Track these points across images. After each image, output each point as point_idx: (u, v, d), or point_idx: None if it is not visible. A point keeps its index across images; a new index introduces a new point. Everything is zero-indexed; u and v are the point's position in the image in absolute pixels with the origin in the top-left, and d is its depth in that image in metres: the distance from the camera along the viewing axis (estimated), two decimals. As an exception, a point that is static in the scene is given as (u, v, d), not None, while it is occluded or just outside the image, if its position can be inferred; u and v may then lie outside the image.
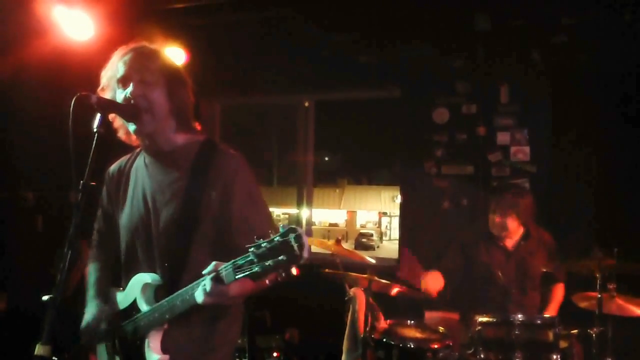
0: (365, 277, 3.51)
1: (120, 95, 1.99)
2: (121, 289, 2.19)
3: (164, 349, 1.96)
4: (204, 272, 1.77)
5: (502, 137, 4.70)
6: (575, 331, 3.31)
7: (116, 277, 2.27)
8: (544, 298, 3.80)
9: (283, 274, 1.58)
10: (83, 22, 4.35)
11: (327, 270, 3.64)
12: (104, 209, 2.28)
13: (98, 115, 1.87)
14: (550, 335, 3.09)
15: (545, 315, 3.28)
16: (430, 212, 4.88)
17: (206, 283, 1.75)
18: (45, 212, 5.25)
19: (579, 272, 3.48)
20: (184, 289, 1.88)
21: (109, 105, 1.97)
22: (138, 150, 2.20)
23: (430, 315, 4.03)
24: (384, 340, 3.41)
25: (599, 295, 3.25)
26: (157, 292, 2.00)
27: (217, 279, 1.74)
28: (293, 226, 1.57)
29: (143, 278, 2.03)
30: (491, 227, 3.82)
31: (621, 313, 3.32)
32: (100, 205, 2.27)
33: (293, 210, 5.86)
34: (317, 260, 2.84)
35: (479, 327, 3.15)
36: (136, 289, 2.04)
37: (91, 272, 2.32)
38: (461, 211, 4.78)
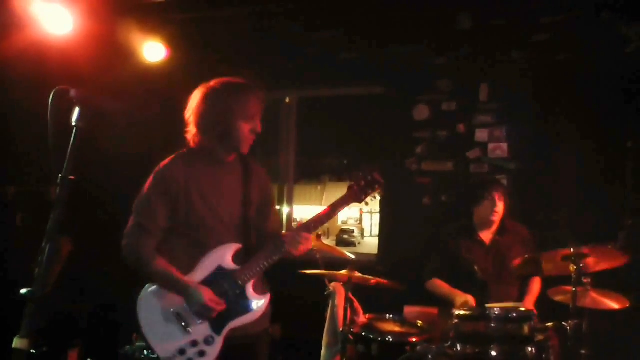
0: (344, 273, 3.54)
1: (244, 125, 2.60)
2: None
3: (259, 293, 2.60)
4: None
5: (481, 135, 4.74)
6: (551, 324, 3.36)
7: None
8: (522, 291, 3.87)
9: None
10: (62, 17, 4.32)
11: (306, 271, 3.67)
12: (160, 200, 2.57)
13: (77, 109, 1.87)
14: (527, 328, 3.13)
15: (521, 309, 3.33)
16: (410, 208, 4.91)
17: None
18: (25, 207, 5.20)
19: (559, 270, 3.53)
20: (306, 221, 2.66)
21: (90, 100, 1.97)
22: (186, 151, 2.67)
23: (409, 310, 4.08)
24: (364, 334, 3.44)
25: (574, 289, 3.31)
26: (240, 255, 2.59)
27: (306, 228, 2.62)
28: (368, 169, 2.73)
29: (225, 247, 2.58)
30: (481, 219, 3.88)
31: (596, 306, 3.38)
32: (152, 195, 2.57)
33: (274, 207, 5.84)
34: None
35: (456, 321, 3.19)
36: (218, 258, 2.56)
37: (160, 264, 2.56)
38: (440, 207, 4.82)
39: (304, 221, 2.71)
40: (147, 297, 2.58)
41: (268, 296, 2.61)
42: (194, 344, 2.49)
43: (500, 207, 3.86)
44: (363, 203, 2.71)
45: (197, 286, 2.49)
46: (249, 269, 2.55)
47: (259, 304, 2.58)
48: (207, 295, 2.46)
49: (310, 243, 2.61)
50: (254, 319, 2.57)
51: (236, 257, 2.58)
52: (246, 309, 2.55)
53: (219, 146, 2.63)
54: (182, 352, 2.49)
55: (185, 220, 2.59)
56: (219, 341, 2.51)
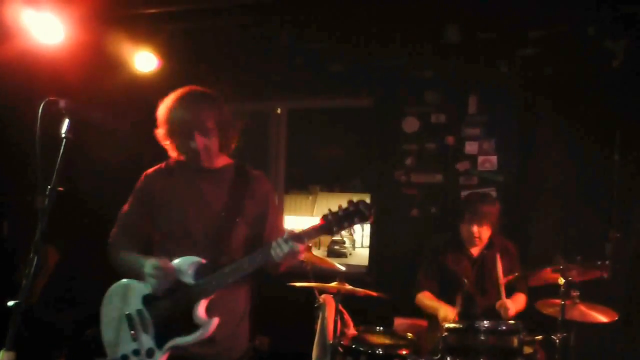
0: (334, 285, 3.53)
1: (183, 142, 2.47)
2: None
3: (210, 315, 2.40)
4: (284, 237, 2.29)
5: (470, 147, 4.77)
6: (539, 337, 3.38)
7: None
8: None
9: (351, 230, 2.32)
10: (52, 26, 4.31)
11: (296, 283, 3.66)
12: (138, 207, 2.62)
13: (66, 120, 1.87)
14: (515, 341, 3.14)
15: (509, 322, 3.33)
16: (400, 220, 4.92)
17: (289, 242, 2.29)
18: (11, 216, 5.16)
19: (544, 281, 3.54)
20: (252, 254, 2.37)
21: (80, 111, 1.97)
22: (174, 160, 2.64)
23: (399, 322, 4.07)
24: (353, 346, 3.43)
25: (562, 302, 3.32)
26: (201, 270, 2.42)
27: (297, 239, 2.30)
28: (361, 199, 2.27)
29: (188, 259, 2.43)
30: (465, 236, 3.89)
31: (584, 319, 3.40)
32: (132, 202, 2.63)
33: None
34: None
35: (445, 333, 3.20)
36: (178, 270, 2.42)
37: (126, 252, 2.58)
38: (430, 219, 4.84)
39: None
40: (110, 294, 2.60)
41: (215, 321, 2.40)
42: (137, 353, 2.47)
43: (482, 233, 3.84)
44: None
45: (151, 259, 2.44)
46: (204, 287, 2.40)
47: (203, 327, 2.39)
48: (160, 260, 2.41)
49: (298, 255, 2.36)
50: (197, 341, 2.40)
51: (198, 272, 2.44)
52: (189, 328, 2.40)
53: (186, 157, 2.57)
54: (124, 357, 2.49)
55: (160, 229, 2.59)
56: (160, 357, 2.44)
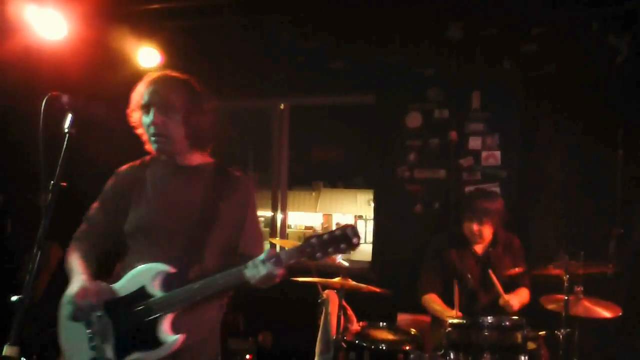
0: (337, 280, 3.53)
1: (143, 119, 2.31)
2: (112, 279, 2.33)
3: (176, 330, 2.19)
4: (261, 257, 2.09)
5: (474, 142, 4.76)
6: (543, 333, 3.37)
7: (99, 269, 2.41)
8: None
9: (335, 257, 2.04)
10: (55, 22, 4.31)
11: (299, 279, 3.66)
12: (106, 204, 2.43)
13: (69, 116, 1.87)
14: (519, 337, 3.14)
15: (513, 318, 3.33)
16: (403, 216, 4.92)
17: (267, 264, 2.08)
18: (14, 213, 5.17)
19: (547, 276, 3.54)
20: (225, 271, 2.15)
21: (82, 107, 1.97)
22: (149, 157, 2.47)
23: (402, 318, 4.07)
24: (356, 342, 3.43)
25: (566, 298, 3.32)
26: (169, 280, 2.21)
27: (276, 261, 2.07)
28: (349, 224, 2.09)
29: (155, 267, 2.22)
30: (467, 234, 3.88)
31: (588, 315, 3.40)
32: (101, 199, 2.45)
33: (268, 213, 5.85)
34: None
35: (449, 329, 3.19)
36: (145, 277, 2.22)
37: (75, 256, 2.35)
38: (433, 215, 4.83)
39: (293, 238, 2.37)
40: (67, 297, 2.31)
41: (180, 338, 2.17)
42: None
43: (484, 231, 3.82)
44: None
45: (81, 279, 2.23)
46: (170, 301, 2.18)
47: (167, 343, 2.17)
48: (81, 289, 2.17)
49: (276, 279, 2.14)
50: (159, 357, 2.18)
51: (165, 283, 2.21)
52: (152, 343, 2.18)
53: (150, 142, 2.36)
54: None
55: (126, 228, 2.36)
56: None
